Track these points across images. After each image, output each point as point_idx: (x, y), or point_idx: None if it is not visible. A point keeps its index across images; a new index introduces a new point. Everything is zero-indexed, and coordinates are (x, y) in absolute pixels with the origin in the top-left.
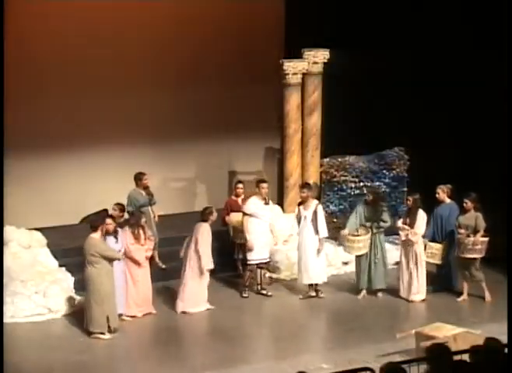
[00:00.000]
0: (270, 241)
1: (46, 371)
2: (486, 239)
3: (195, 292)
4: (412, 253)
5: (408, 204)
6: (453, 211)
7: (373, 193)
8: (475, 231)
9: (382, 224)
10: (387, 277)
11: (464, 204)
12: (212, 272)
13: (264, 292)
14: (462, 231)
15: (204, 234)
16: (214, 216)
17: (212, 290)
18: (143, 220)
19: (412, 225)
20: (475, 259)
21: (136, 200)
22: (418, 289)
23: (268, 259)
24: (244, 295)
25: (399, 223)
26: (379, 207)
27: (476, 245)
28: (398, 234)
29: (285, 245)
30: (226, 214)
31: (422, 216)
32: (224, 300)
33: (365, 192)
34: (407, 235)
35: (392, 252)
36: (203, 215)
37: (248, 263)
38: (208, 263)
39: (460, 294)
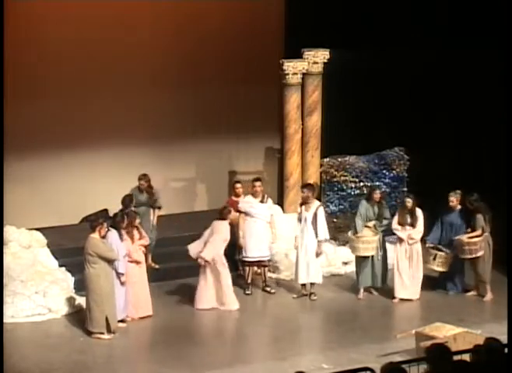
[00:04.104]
0: (268, 238)
1: (46, 371)
2: (477, 240)
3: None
4: (414, 252)
5: (407, 206)
6: (463, 218)
7: (380, 190)
8: (472, 231)
9: (385, 221)
10: (388, 277)
11: (469, 205)
12: None
13: (267, 289)
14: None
15: (223, 231)
16: (233, 215)
17: None
18: (138, 221)
19: (412, 225)
20: (476, 258)
21: (135, 197)
22: (418, 288)
23: (268, 257)
24: (247, 292)
25: (395, 224)
26: (381, 204)
27: (464, 246)
28: (394, 234)
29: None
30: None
31: (421, 215)
32: None
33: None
34: (409, 234)
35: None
36: (222, 214)
37: (244, 260)
38: (209, 254)
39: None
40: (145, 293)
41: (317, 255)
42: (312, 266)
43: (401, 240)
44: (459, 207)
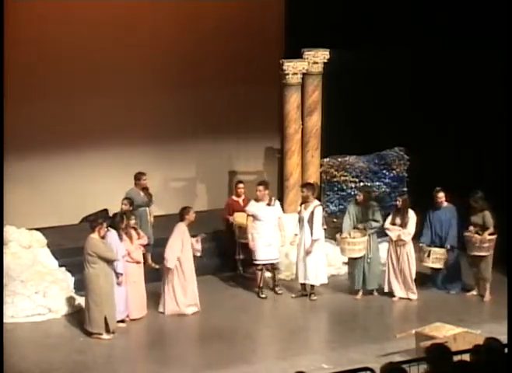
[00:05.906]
0: (277, 241)
1: (46, 371)
2: (493, 237)
3: (176, 294)
4: (403, 253)
5: (397, 205)
6: (451, 214)
7: (364, 192)
8: (484, 229)
9: (374, 224)
10: (381, 277)
11: (474, 203)
12: (212, 272)
13: (276, 289)
14: (471, 228)
15: (174, 232)
16: (191, 216)
17: (211, 290)
18: (133, 221)
19: (403, 225)
20: (483, 257)
21: (134, 199)
22: (412, 288)
23: (278, 259)
24: (262, 296)
25: (387, 224)
26: (370, 206)
27: (483, 243)
28: (386, 234)
29: (293, 246)
30: (229, 214)
31: (413, 216)
32: (224, 300)
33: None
34: (399, 235)
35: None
36: (179, 215)
37: (255, 263)
38: (168, 261)
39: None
40: (143, 293)
41: (307, 253)
42: (309, 267)
43: (392, 240)
44: (445, 203)
